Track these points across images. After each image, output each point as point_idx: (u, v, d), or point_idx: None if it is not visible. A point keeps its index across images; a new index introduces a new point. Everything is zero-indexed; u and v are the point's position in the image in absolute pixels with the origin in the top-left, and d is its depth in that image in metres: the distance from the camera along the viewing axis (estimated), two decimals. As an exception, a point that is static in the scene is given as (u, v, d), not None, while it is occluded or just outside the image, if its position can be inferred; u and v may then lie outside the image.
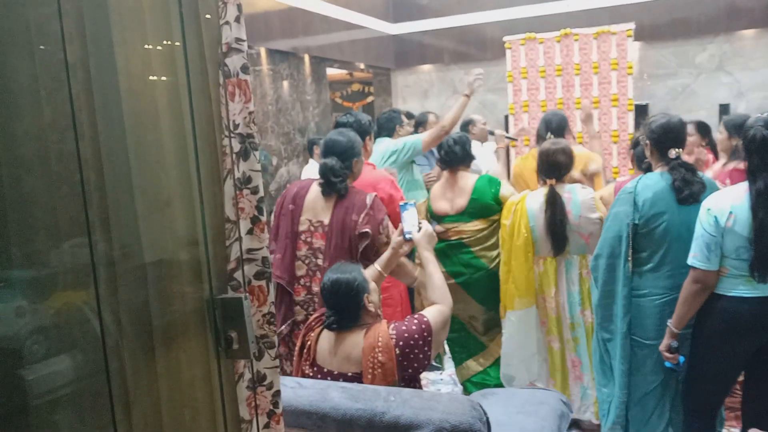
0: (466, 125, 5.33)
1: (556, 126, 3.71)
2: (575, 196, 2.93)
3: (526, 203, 3.03)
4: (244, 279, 1.19)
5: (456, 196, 3.30)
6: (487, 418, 1.66)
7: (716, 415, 2.46)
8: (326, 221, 2.57)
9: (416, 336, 1.97)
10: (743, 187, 2.16)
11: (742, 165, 3.06)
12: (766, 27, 6.60)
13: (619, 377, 2.54)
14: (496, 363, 3.34)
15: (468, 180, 3.29)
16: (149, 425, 1.07)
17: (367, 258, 2.50)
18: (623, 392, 2.54)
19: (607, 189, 3.13)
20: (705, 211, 2.21)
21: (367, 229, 2.49)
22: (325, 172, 2.55)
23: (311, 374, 2.07)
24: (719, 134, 3.67)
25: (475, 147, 4.94)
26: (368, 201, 2.55)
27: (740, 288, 2.19)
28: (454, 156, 3.27)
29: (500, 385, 3.23)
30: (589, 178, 3.56)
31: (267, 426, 1.23)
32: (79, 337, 1.00)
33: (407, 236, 2.31)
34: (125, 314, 1.03)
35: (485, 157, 4.71)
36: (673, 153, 2.45)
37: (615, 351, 2.57)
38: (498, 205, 3.22)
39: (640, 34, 5.94)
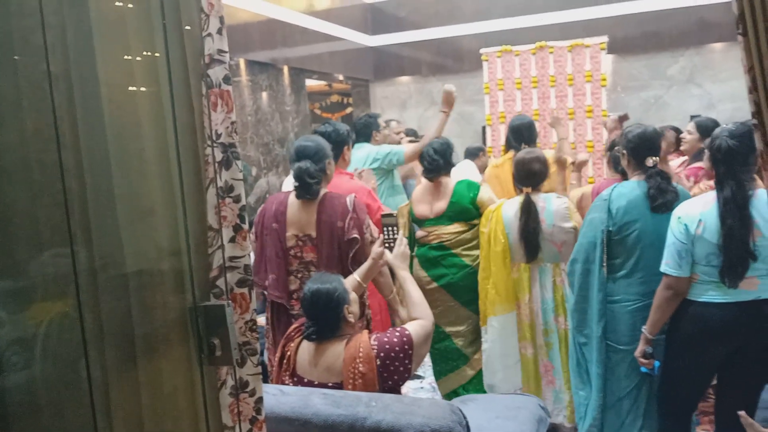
0: (477, 152, 5.55)
1: (527, 135, 3.83)
2: (549, 205, 2.99)
3: (502, 211, 3.09)
4: (226, 286, 1.21)
5: (436, 200, 3.35)
6: (467, 422, 1.69)
7: (690, 418, 2.51)
8: (313, 233, 2.58)
9: (397, 348, 1.98)
10: (712, 195, 2.23)
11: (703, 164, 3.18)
12: (735, 40, 6.75)
13: (595, 381, 2.59)
14: (479, 375, 3.36)
15: (448, 184, 3.35)
16: (132, 432, 1.08)
17: (358, 262, 2.51)
18: (599, 395, 2.59)
19: (587, 188, 3.20)
20: (676, 220, 2.27)
21: (355, 235, 2.51)
22: (300, 174, 2.54)
23: (291, 385, 2.07)
24: (688, 134, 3.77)
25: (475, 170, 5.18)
26: (349, 204, 2.56)
27: (711, 294, 2.24)
28: (437, 165, 3.33)
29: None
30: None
31: (249, 432, 1.24)
32: (62, 347, 1.00)
33: (387, 246, 2.33)
34: (108, 323, 1.04)
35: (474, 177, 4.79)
36: (650, 161, 2.52)
37: (591, 355, 2.62)
38: (476, 209, 3.27)
39: (614, 47, 6.07)
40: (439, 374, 3.49)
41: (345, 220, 2.53)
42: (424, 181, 3.47)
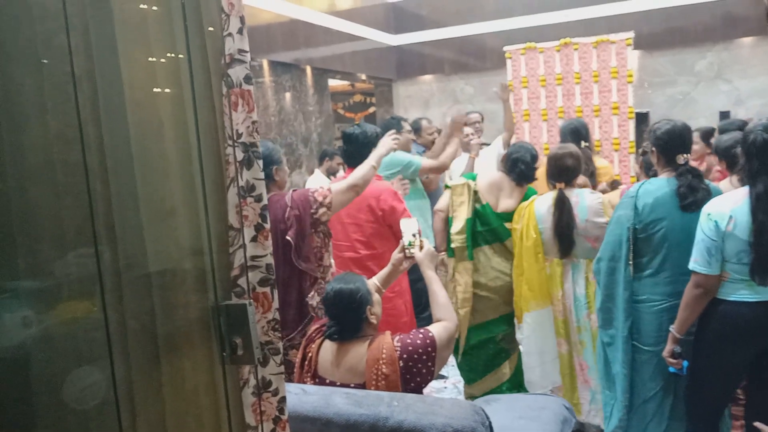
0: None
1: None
2: (583, 200, 2.95)
3: (534, 206, 3.06)
4: (248, 286, 1.21)
5: (504, 195, 3.28)
6: (490, 423, 1.67)
7: (718, 420, 2.46)
8: None
9: (420, 350, 1.97)
10: (743, 191, 2.18)
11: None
12: (763, 35, 6.64)
13: (621, 381, 2.55)
14: (514, 374, 3.32)
15: (524, 187, 3.29)
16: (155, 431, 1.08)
17: (305, 258, 2.54)
18: (625, 396, 2.55)
19: (615, 193, 3.16)
20: (705, 216, 2.22)
21: (289, 238, 2.52)
22: None
23: (313, 385, 2.07)
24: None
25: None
26: (288, 200, 2.57)
27: (741, 292, 2.20)
28: (532, 173, 3.27)
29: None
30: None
31: (272, 432, 1.24)
32: (86, 345, 1.01)
33: (408, 252, 2.31)
34: (131, 322, 1.05)
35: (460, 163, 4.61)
36: (681, 159, 2.46)
37: (615, 355, 2.58)
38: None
39: (639, 42, 5.97)
40: (473, 379, 3.42)
41: (285, 218, 2.54)
42: (490, 176, 3.39)
